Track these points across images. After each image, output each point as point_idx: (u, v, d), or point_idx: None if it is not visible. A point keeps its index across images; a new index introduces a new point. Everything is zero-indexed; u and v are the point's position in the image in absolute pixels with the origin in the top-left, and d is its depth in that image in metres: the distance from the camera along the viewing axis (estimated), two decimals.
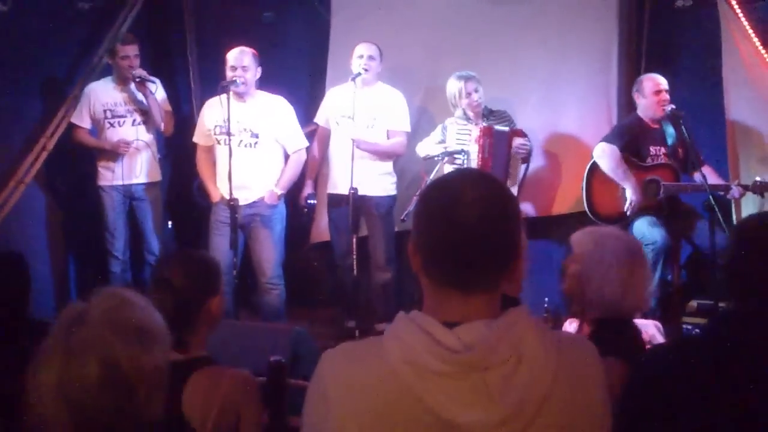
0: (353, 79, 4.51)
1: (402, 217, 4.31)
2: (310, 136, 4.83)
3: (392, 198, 4.75)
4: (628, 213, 4.40)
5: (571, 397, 1.23)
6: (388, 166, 4.73)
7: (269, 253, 4.51)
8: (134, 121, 4.85)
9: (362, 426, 1.20)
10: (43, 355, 1.31)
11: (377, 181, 4.66)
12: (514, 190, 4.60)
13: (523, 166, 4.58)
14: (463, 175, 1.35)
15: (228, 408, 2.02)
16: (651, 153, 4.49)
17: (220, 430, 2.01)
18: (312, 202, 4.83)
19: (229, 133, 4.29)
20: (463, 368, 1.18)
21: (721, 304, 4.19)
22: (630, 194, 4.40)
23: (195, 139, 4.75)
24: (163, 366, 1.35)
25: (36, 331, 3.45)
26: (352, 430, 1.20)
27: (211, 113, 4.50)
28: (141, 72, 4.71)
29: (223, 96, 4.31)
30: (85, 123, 4.86)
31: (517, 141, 4.49)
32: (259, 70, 4.47)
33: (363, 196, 4.56)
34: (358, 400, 1.22)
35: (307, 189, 4.87)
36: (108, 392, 1.27)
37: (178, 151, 5.28)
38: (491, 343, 1.19)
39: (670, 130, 4.53)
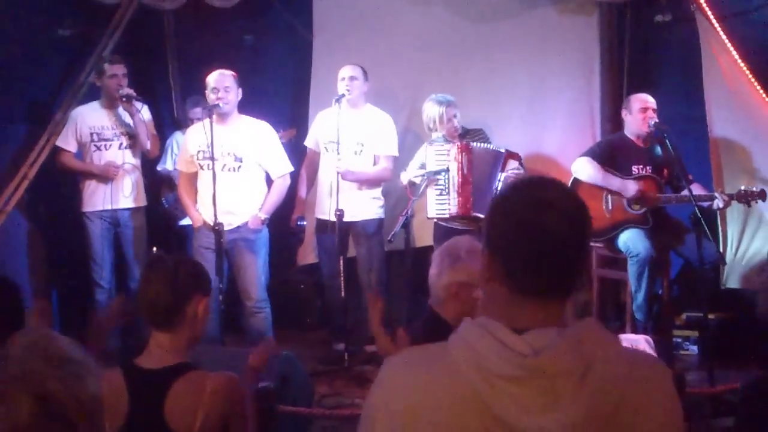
0: (337, 101, 4.50)
1: (389, 238, 4.29)
2: (286, 143, 4.80)
3: (379, 220, 4.74)
4: (635, 208, 4.35)
5: (639, 415, 1.20)
6: (376, 191, 4.74)
7: (254, 277, 4.46)
8: (121, 144, 4.80)
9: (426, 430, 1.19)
10: None
11: (364, 206, 4.67)
12: None
13: None
14: (544, 181, 1.29)
15: (213, 412, 2.01)
16: (633, 172, 4.48)
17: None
18: (302, 223, 4.79)
19: (212, 158, 4.25)
20: (532, 373, 1.16)
21: (710, 317, 4.20)
22: (624, 193, 4.37)
23: (177, 166, 4.71)
24: (99, 396, 1.24)
25: None
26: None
27: (194, 138, 4.47)
28: (128, 90, 4.66)
29: (206, 120, 4.27)
30: (71, 147, 4.79)
31: (512, 164, 4.49)
32: (240, 92, 4.45)
33: (350, 222, 4.55)
34: (423, 405, 1.20)
35: (297, 211, 4.84)
36: (46, 424, 1.16)
37: (154, 175, 5.24)
38: (561, 350, 1.17)
39: (657, 151, 4.52)
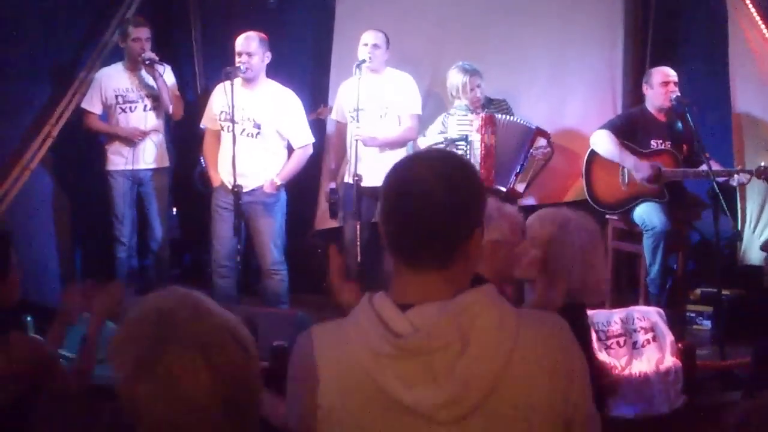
0: (358, 67, 4.49)
1: None
2: (313, 123, 4.82)
3: None
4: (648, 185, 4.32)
5: (531, 377, 1.22)
6: (400, 153, 4.71)
7: (269, 240, 4.51)
8: (145, 106, 4.84)
9: (327, 400, 1.26)
10: (139, 370, 1.16)
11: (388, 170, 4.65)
12: (521, 187, 4.60)
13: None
14: (420, 155, 1.40)
15: None
16: (652, 146, 4.45)
17: None
18: (336, 197, 4.81)
19: (233, 121, 4.29)
20: (409, 352, 1.22)
21: (725, 292, 4.20)
22: (636, 174, 4.36)
23: (203, 123, 4.74)
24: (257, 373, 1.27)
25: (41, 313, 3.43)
26: (322, 402, 1.26)
27: (220, 98, 4.49)
28: (151, 54, 4.70)
29: (227, 83, 4.30)
30: (96, 109, 4.85)
31: (540, 141, 4.47)
32: (268, 55, 4.44)
33: (375, 186, 4.55)
34: (323, 377, 1.28)
35: (330, 184, 4.85)
36: (220, 401, 1.17)
37: (183, 137, 5.29)
38: (437, 327, 1.22)
39: (677, 125, 4.49)
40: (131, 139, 4.79)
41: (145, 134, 4.79)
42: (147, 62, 4.69)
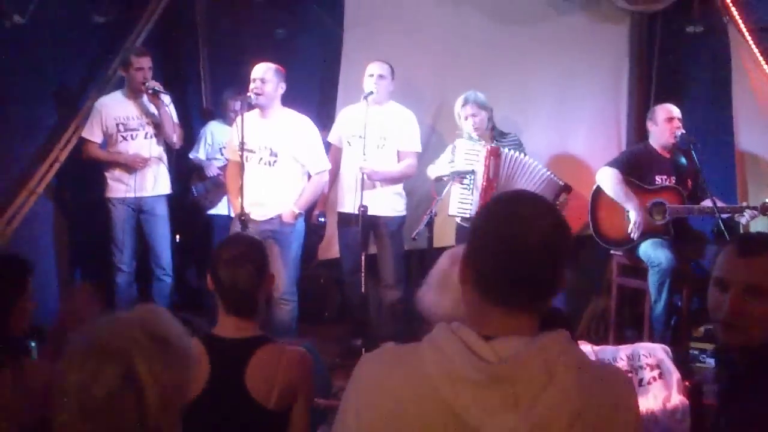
0: (365, 98, 4.52)
1: (413, 236, 4.31)
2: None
3: (402, 218, 4.76)
4: (633, 236, 4.38)
5: (599, 426, 1.24)
6: (398, 187, 4.76)
7: (281, 269, 4.50)
8: (147, 134, 4.85)
9: (393, 425, 1.24)
10: (68, 356, 1.28)
11: (387, 201, 4.68)
12: None
13: None
14: (525, 197, 1.36)
15: (288, 383, 2.17)
16: (657, 183, 4.49)
17: (283, 402, 2.17)
18: (323, 219, 4.83)
19: (242, 149, 4.30)
20: (495, 379, 1.21)
21: None
22: (633, 215, 4.39)
23: (226, 154, 4.81)
24: (183, 388, 1.31)
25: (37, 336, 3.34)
26: (387, 427, 1.25)
27: (239, 129, 4.50)
28: (155, 84, 4.72)
29: (239, 115, 4.32)
30: (96, 137, 4.85)
31: (561, 198, 4.45)
32: (283, 85, 4.47)
33: (373, 216, 4.57)
34: (388, 403, 1.26)
35: (318, 207, 4.87)
36: (122, 399, 1.23)
37: (185, 164, 5.30)
38: (524, 358, 1.22)
39: (681, 161, 4.53)
40: (133, 167, 4.79)
41: (146, 161, 4.80)
42: (151, 91, 4.70)
